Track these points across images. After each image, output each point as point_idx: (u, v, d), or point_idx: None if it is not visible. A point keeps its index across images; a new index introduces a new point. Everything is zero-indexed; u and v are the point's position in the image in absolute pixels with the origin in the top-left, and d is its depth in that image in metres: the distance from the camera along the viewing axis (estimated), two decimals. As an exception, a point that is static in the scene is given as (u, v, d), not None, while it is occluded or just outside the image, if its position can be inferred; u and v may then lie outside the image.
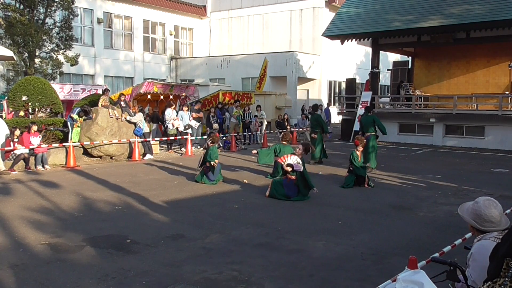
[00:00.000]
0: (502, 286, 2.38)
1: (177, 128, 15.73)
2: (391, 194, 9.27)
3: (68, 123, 13.82)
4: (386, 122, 18.61)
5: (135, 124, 13.93)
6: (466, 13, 17.59)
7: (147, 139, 14.18)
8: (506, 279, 2.38)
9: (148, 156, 13.94)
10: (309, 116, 20.30)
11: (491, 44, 19.94)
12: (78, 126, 13.21)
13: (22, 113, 13.99)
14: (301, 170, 8.60)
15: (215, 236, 6.33)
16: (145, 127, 14.22)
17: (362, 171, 9.93)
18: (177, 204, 8.11)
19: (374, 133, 12.40)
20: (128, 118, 13.86)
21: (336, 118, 26.74)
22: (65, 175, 10.94)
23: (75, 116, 13.77)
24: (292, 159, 8.66)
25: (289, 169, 8.63)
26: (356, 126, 18.70)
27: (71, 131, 13.21)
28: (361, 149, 10.22)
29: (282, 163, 8.79)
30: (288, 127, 19.63)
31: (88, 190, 9.10)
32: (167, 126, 15.96)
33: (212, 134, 10.28)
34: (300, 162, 8.67)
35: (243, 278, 4.85)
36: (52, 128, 13.59)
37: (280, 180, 8.80)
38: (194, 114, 16.62)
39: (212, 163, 9.91)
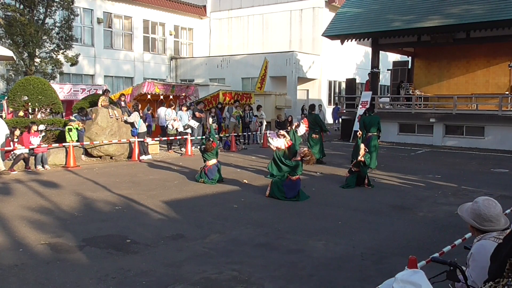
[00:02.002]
0: (506, 287, 2.38)
1: (176, 129, 15.73)
2: (391, 194, 9.27)
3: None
4: (386, 122, 18.69)
5: (132, 124, 13.91)
6: (466, 13, 17.59)
7: (141, 139, 14.04)
8: (510, 279, 2.37)
9: (143, 157, 13.84)
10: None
11: (491, 44, 19.94)
12: (71, 126, 12.97)
13: (21, 113, 13.99)
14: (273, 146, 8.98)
15: (215, 236, 6.33)
16: (141, 127, 14.10)
17: (363, 169, 9.96)
18: (177, 204, 8.11)
19: (376, 133, 12.42)
20: (125, 118, 13.85)
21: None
22: (65, 175, 10.93)
23: (73, 118, 13.71)
24: (278, 143, 9.03)
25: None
26: (356, 126, 18.68)
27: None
28: (363, 153, 10.18)
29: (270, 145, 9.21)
30: (289, 127, 19.61)
31: (88, 190, 9.10)
32: (166, 126, 15.96)
33: (208, 142, 10.30)
34: (277, 144, 8.99)
35: (243, 278, 4.85)
36: (52, 128, 13.58)
37: (280, 180, 8.79)
38: (197, 114, 16.64)
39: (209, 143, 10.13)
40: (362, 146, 10.21)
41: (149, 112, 18.48)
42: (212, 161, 10.15)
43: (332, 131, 23.67)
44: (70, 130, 12.68)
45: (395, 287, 2.03)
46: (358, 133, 11.47)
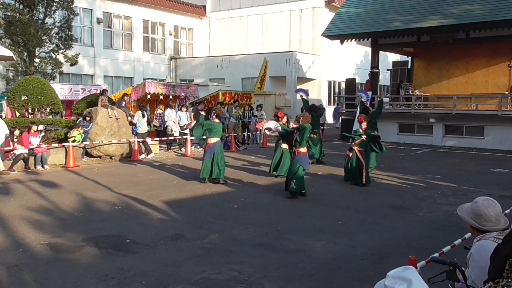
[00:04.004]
0: (505, 287, 2.38)
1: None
2: (390, 194, 9.27)
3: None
4: (386, 122, 18.69)
5: (135, 124, 13.94)
6: (466, 13, 17.60)
7: (141, 139, 14.00)
8: (509, 280, 2.37)
9: (143, 156, 13.83)
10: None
11: (491, 44, 19.94)
12: (74, 137, 12.89)
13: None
14: (280, 131, 9.60)
15: (214, 236, 6.33)
16: (142, 127, 14.05)
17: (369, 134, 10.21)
18: (176, 204, 8.11)
19: (376, 133, 12.41)
20: (129, 118, 13.90)
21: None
22: (64, 175, 10.93)
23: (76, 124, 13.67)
24: (270, 124, 9.58)
25: (267, 132, 9.70)
26: (356, 126, 18.64)
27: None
28: (365, 126, 10.37)
29: (261, 127, 9.72)
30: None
31: (87, 190, 9.10)
32: (166, 126, 15.94)
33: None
34: (279, 126, 9.59)
35: (242, 278, 4.85)
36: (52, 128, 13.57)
37: (292, 159, 9.02)
38: (192, 116, 16.58)
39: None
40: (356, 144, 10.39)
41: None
42: (214, 139, 9.99)
43: (333, 131, 23.72)
44: (74, 141, 12.61)
45: (387, 284, 2.04)
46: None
